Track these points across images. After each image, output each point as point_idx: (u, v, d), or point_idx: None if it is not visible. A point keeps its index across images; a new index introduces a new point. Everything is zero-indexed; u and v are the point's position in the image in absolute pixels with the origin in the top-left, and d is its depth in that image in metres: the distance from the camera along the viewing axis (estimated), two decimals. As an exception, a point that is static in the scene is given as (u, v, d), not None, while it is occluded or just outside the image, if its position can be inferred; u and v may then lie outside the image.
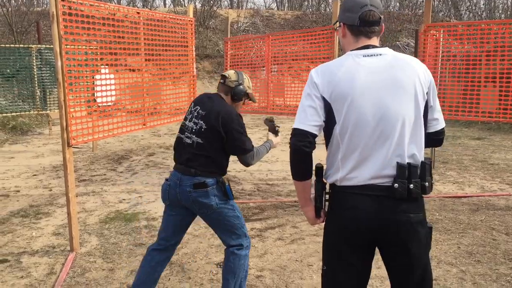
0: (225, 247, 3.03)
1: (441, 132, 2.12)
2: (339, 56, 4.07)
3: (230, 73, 3.09)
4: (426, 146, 2.04)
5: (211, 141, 2.88)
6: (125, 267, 3.88)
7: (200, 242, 4.41)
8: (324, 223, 2.12)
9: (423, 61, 6.59)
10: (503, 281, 3.55)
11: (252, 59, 8.13)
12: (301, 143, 1.93)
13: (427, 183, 1.93)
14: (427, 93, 1.99)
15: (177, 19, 5.90)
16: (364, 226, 1.92)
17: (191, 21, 5.98)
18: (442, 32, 6.92)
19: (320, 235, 4.55)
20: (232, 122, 2.89)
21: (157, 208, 5.42)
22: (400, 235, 1.92)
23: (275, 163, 8.36)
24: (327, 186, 2.09)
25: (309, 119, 1.94)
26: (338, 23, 2.08)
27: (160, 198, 3.10)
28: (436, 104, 2.05)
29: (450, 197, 5.99)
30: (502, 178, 7.11)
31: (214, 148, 2.89)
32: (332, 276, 2.05)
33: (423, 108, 1.97)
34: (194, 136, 2.91)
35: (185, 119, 3.04)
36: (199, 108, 2.97)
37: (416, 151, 1.94)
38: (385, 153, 1.90)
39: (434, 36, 6.78)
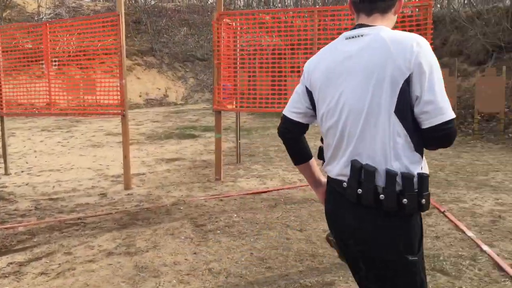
0: None
1: (437, 129, 1.56)
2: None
3: None
4: (427, 147, 1.64)
5: None
6: None
7: None
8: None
9: (218, 51, 6.22)
10: (291, 289, 3.25)
11: (27, 53, 6.90)
12: (282, 129, 1.94)
13: (388, 193, 1.57)
14: (407, 80, 1.55)
15: None
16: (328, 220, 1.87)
17: None
18: (238, 21, 6.65)
19: (97, 260, 3.79)
20: None
21: None
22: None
23: (68, 171, 7.27)
24: None
25: (291, 105, 1.90)
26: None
27: None
28: (425, 93, 1.55)
29: (250, 194, 5.73)
30: (303, 167, 7.19)
31: None
32: None
33: (403, 99, 1.56)
34: None
35: None
36: None
37: (381, 152, 1.59)
38: (349, 150, 1.67)
39: (229, 25, 6.46)
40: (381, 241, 1.62)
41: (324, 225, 4.44)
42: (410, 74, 1.55)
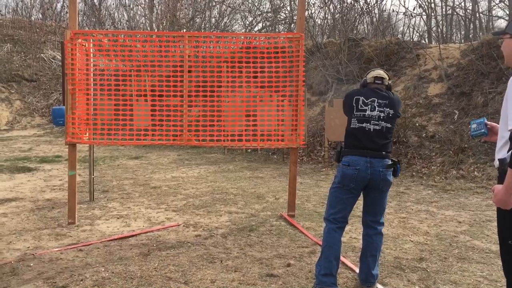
0: (365, 229, 3.75)
1: None
2: None
3: (383, 74, 3.74)
4: None
5: (393, 125, 3.64)
6: None
7: None
8: None
9: (72, 75, 5.39)
10: None
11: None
12: None
13: None
14: None
15: None
16: None
17: None
18: (92, 42, 5.88)
19: None
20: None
21: None
22: None
23: None
24: None
25: None
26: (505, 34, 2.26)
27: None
28: None
29: (115, 239, 4.98)
30: (167, 203, 6.62)
31: (393, 131, 3.65)
32: None
33: None
34: (383, 123, 3.57)
35: (360, 111, 3.60)
36: (376, 99, 3.59)
37: None
38: None
39: (84, 46, 5.66)
40: None
41: (210, 274, 3.98)
42: None
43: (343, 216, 3.66)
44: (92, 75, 5.79)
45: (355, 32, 15.70)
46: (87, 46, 5.73)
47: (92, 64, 5.83)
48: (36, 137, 15.79)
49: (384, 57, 12.76)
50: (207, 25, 23.11)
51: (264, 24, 21.32)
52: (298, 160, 10.75)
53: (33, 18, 28.06)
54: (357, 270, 3.93)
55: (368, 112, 3.60)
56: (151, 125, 5.88)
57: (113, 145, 6.74)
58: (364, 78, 3.82)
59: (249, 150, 12.12)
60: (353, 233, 5.20)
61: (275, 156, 11.50)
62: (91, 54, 5.78)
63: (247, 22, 23.41)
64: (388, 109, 3.61)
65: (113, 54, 6.13)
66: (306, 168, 9.95)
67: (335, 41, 14.51)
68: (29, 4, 30.26)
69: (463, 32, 19.73)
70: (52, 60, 23.13)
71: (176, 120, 5.61)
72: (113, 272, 4.04)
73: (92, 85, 5.73)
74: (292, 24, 17.63)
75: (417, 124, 10.27)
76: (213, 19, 23.77)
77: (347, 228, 4.42)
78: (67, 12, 26.04)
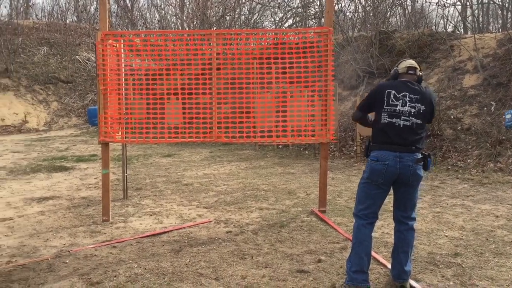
0: (396, 225, 3.68)
1: None
2: None
3: (415, 64, 3.65)
4: None
5: (424, 121, 3.55)
6: None
7: None
8: None
9: (103, 76, 5.50)
10: None
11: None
12: None
13: None
14: None
15: None
16: None
17: None
18: (122, 43, 5.97)
19: None
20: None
21: None
22: None
23: None
24: None
25: None
26: None
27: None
28: None
29: (148, 236, 5.06)
30: (199, 200, 6.68)
31: (424, 127, 3.58)
32: None
33: None
34: (413, 119, 3.49)
35: (391, 105, 3.51)
36: (408, 94, 3.51)
37: None
38: None
39: (114, 47, 5.76)
40: None
41: (241, 270, 4.00)
42: None
43: (372, 212, 3.60)
44: (123, 75, 5.91)
45: (386, 24, 15.42)
46: (118, 46, 5.84)
47: (123, 64, 5.94)
48: (73, 137, 16.21)
49: (416, 49, 12.48)
50: (237, 23, 23.16)
51: (294, 20, 21.21)
52: (330, 155, 10.68)
53: (68, 21, 28.83)
54: (389, 266, 3.86)
55: (399, 107, 3.49)
56: (182, 123, 5.94)
57: (145, 143, 6.86)
58: (395, 69, 3.70)
59: (280, 146, 12.11)
60: (385, 228, 5.11)
61: (306, 152, 11.44)
62: (122, 55, 5.89)
63: (277, 19, 23.36)
64: (419, 104, 3.51)
65: (144, 54, 6.21)
66: (338, 163, 9.86)
67: (366, 34, 14.28)
68: (64, 8, 31.14)
69: (500, 22, 19.09)
70: (87, 61, 23.69)
71: (206, 118, 5.65)
72: (145, 268, 4.11)
73: (123, 85, 5.85)
74: (322, 19, 17.45)
75: (452, 117, 10.01)
76: (243, 16, 23.82)
77: (379, 223, 4.37)
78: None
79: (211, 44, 5.56)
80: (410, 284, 3.65)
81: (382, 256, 4.29)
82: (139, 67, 6.32)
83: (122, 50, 5.87)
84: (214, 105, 5.59)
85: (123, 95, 5.82)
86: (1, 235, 5.18)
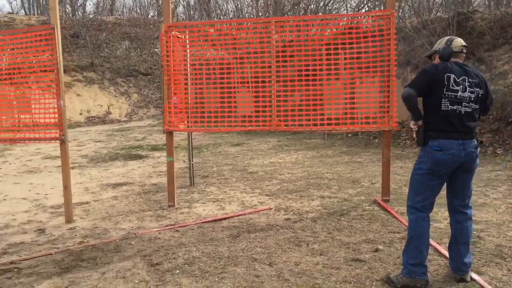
0: (454, 215, 3.56)
1: None
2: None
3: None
4: None
5: (482, 105, 3.42)
6: None
7: None
8: None
9: (168, 67, 5.71)
10: None
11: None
12: None
13: None
14: None
15: None
16: None
17: None
18: (187, 33, 6.14)
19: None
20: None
21: None
22: None
23: (1, 202, 6.45)
24: None
25: None
26: None
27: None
28: None
29: (209, 221, 5.22)
30: (262, 188, 6.76)
31: (480, 112, 3.44)
32: None
33: None
34: (473, 104, 3.34)
35: (452, 91, 3.29)
36: (467, 78, 3.32)
37: None
38: None
39: (179, 38, 5.95)
40: None
41: (295, 257, 4.01)
42: None
43: (430, 203, 3.46)
44: (189, 65, 6.09)
45: (466, 5, 14.52)
46: (183, 38, 6.03)
47: (189, 55, 6.12)
48: (150, 127, 16.97)
49: (499, 30, 11.64)
50: (313, 9, 22.82)
51: (371, 5, 20.55)
52: (401, 143, 10.32)
53: (149, 16, 30.11)
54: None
55: (460, 93, 3.30)
56: (249, 112, 5.99)
57: (207, 132, 7.00)
58: (447, 47, 3.39)
59: (349, 135, 11.88)
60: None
61: (376, 141, 11.14)
62: (187, 46, 6.06)
63: (354, 4, 22.76)
64: (478, 89, 3.36)
65: (210, 44, 6.35)
66: (409, 152, 9.50)
67: (443, 16, 13.55)
68: (145, 3, 32.51)
69: None
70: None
71: (265, 106, 5.68)
72: (203, 252, 4.25)
73: (189, 75, 6.04)
74: (402, 2, 16.73)
75: (537, 102, 9.27)
76: (321, 3, 23.42)
77: (445, 214, 4.19)
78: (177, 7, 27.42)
79: (275, 32, 5.55)
80: (471, 276, 3.48)
81: (444, 247, 4.11)
82: (205, 57, 6.47)
83: (188, 41, 6.05)
84: (274, 93, 5.59)
85: (189, 85, 6.00)
86: (77, 218, 5.58)
